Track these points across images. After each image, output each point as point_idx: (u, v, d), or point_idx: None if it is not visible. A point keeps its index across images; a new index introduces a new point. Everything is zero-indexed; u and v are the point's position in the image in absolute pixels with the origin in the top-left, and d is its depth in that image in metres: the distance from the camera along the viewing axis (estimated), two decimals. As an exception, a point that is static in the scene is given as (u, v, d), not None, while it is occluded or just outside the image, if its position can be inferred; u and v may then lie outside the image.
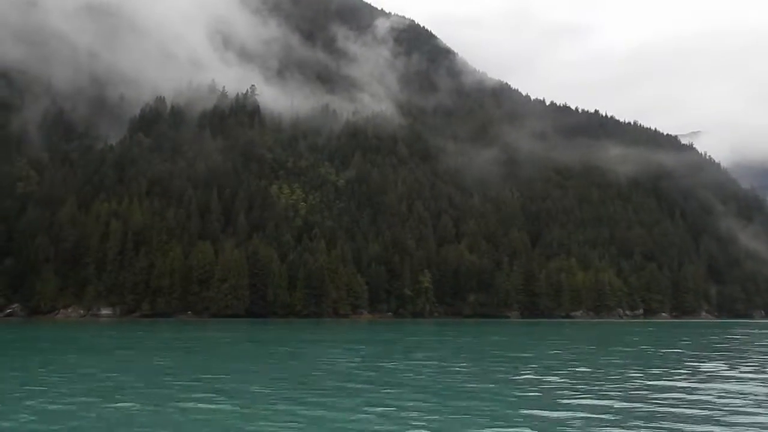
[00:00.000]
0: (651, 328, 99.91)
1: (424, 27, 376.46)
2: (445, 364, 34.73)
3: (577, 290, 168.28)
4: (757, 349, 51.20)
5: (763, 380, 26.93)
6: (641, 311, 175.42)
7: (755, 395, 22.36)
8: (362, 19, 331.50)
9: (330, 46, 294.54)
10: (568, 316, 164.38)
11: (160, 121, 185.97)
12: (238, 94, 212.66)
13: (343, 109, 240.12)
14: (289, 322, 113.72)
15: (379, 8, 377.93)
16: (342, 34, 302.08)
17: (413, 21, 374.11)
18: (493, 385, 25.17)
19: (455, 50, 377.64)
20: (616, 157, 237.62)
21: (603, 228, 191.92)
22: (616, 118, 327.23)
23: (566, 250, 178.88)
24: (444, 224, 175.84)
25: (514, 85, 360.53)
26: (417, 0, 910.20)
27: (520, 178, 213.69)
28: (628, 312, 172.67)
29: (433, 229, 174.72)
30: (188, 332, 76.36)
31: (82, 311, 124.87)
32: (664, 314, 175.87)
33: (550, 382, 26.29)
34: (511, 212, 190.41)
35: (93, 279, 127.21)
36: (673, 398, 21.70)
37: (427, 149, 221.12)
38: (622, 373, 29.75)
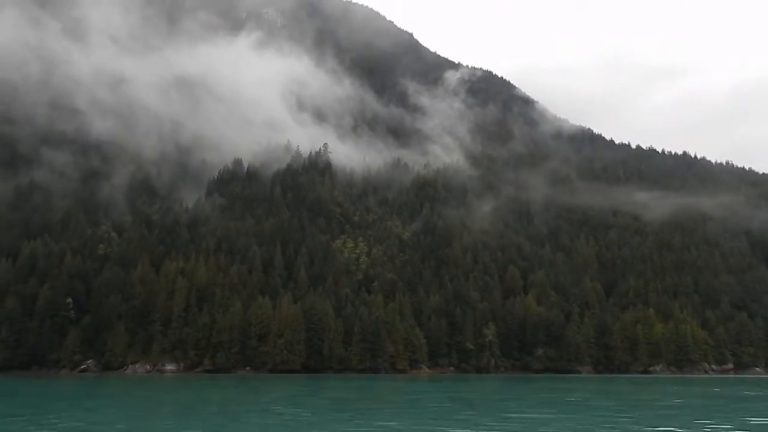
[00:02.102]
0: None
1: (501, 77, 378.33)
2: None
3: (656, 343, 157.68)
4: None
5: None
6: (731, 366, 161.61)
7: None
8: (432, 72, 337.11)
9: (403, 101, 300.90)
10: (646, 372, 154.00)
11: (235, 182, 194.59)
12: (311, 152, 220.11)
13: (415, 162, 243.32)
14: (346, 378, 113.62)
15: (456, 61, 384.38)
16: (413, 89, 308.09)
17: (490, 72, 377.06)
18: None
19: (535, 99, 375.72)
20: (701, 200, 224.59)
21: (685, 276, 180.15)
22: (708, 158, 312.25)
23: (643, 300, 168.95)
24: (511, 275, 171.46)
25: (597, 131, 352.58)
26: (501, 53, 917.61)
27: (595, 225, 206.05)
28: (714, 366, 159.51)
29: (500, 280, 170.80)
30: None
31: (148, 367, 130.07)
32: (757, 369, 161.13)
33: None
34: (583, 261, 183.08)
35: (159, 335, 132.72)
36: None
37: (498, 199, 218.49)
38: None
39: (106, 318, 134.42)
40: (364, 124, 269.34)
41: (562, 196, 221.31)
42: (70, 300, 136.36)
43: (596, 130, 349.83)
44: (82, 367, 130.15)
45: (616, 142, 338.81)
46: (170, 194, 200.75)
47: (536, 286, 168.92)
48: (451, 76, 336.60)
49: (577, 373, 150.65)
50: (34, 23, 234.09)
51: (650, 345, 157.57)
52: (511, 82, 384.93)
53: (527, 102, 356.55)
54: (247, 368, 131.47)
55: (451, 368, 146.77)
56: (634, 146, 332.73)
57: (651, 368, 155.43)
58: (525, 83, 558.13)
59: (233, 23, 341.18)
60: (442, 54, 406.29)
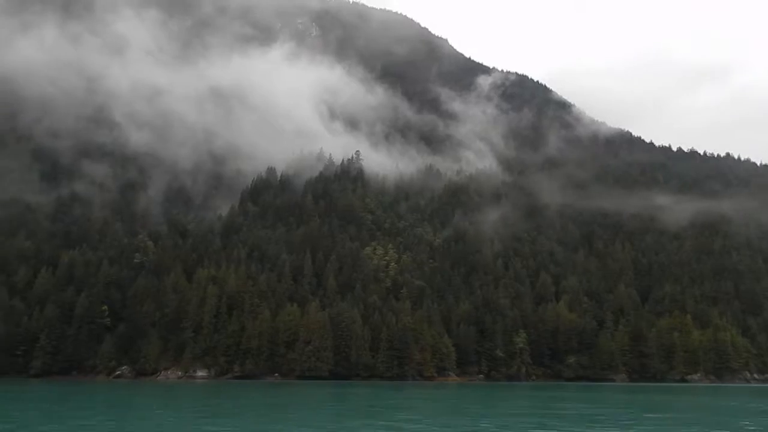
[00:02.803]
0: None
1: (536, 81, 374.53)
2: None
3: (694, 351, 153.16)
4: None
5: None
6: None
7: None
8: (465, 77, 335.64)
9: (435, 107, 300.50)
10: (683, 380, 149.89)
11: (268, 191, 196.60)
12: (343, 160, 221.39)
13: (447, 168, 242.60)
14: (373, 385, 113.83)
15: (490, 66, 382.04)
16: (445, 95, 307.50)
17: (525, 76, 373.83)
18: None
19: (572, 102, 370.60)
20: (743, 202, 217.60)
21: (725, 281, 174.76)
22: (752, 160, 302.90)
23: (680, 306, 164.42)
24: (542, 281, 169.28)
25: (637, 133, 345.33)
26: (537, 57, 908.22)
27: (631, 229, 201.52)
28: (756, 375, 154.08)
29: (531, 286, 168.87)
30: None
31: (179, 373, 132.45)
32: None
33: None
34: (618, 267, 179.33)
35: (190, 342, 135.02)
36: None
37: (532, 204, 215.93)
38: None
39: (140, 325, 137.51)
40: (396, 132, 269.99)
41: (596, 201, 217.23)
42: (106, 308, 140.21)
43: (636, 133, 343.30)
44: (117, 373, 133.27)
45: (657, 144, 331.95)
46: (205, 203, 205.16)
47: (568, 292, 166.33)
48: (484, 81, 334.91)
49: (610, 381, 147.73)
50: (73, 40, 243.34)
51: (687, 353, 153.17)
52: (547, 86, 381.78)
53: (563, 105, 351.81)
54: (276, 375, 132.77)
55: (481, 376, 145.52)
56: (675, 148, 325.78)
57: (688, 377, 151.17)
58: (561, 87, 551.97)
59: (267, 34, 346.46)
60: (476, 59, 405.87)
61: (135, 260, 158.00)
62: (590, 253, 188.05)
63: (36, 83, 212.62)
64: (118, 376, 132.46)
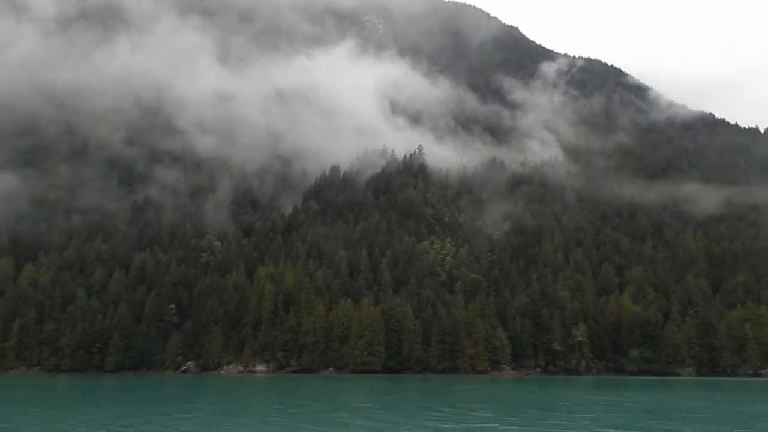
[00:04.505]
0: None
1: (609, 65, 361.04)
2: None
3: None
4: None
5: None
6: None
7: None
8: (531, 65, 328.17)
9: (500, 97, 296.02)
10: (756, 374, 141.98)
11: (330, 188, 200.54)
12: (405, 155, 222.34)
13: (512, 159, 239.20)
14: (426, 378, 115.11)
15: (562, 52, 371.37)
16: (511, 84, 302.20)
17: (597, 60, 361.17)
18: None
19: (650, 85, 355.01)
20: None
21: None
22: None
23: (755, 296, 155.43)
24: (605, 272, 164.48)
25: (721, 116, 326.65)
26: (616, 41, 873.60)
27: (705, 217, 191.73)
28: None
29: (594, 278, 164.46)
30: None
31: (240, 368, 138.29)
32: None
33: None
34: (688, 257, 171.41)
35: (250, 338, 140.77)
36: None
37: (598, 194, 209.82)
38: None
39: (204, 322, 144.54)
40: (459, 124, 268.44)
41: (668, 187, 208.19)
42: (173, 306, 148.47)
43: (720, 115, 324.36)
44: (183, 368, 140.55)
45: (742, 126, 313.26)
46: (271, 203, 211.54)
47: (633, 283, 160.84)
48: (548, 68, 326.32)
49: (676, 375, 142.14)
50: (144, 52, 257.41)
51: (762, 345, 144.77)
52: (623, 69, 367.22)
53: (639, 89, 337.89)
54: (330, 369, 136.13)
55: (538, 369, 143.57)
56: (762, 130, 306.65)
57: (763, 371, 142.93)
58: (639, 71, 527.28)
59: (334, 32, 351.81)
60: (548, 46, 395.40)
61: (202, 260, 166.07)
62: (659, 242, 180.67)
63: (108, 96, 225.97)
64: (185, 371, 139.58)
